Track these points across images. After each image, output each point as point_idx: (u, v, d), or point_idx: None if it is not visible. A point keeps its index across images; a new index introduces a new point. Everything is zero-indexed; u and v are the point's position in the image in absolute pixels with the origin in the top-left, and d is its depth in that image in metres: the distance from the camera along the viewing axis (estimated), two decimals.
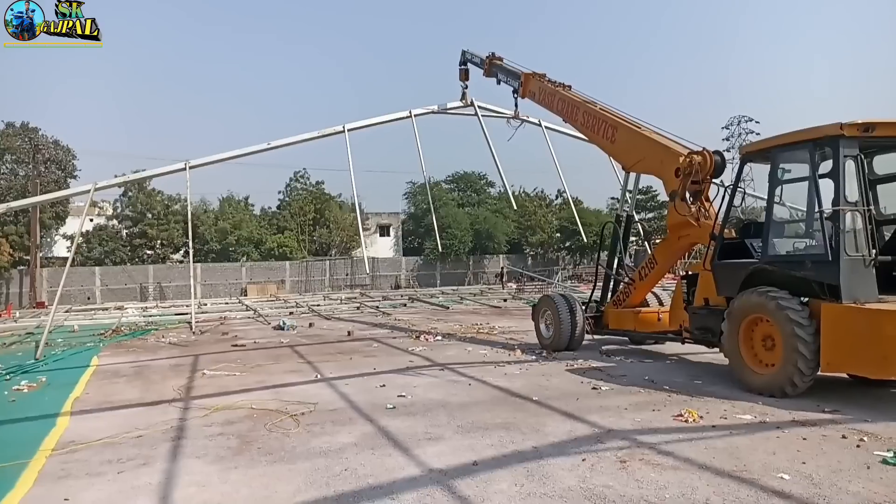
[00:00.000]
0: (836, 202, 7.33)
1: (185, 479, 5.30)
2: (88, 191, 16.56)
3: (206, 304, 30.17)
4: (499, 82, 16.75)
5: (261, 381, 9.82)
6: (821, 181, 7.57)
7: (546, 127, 23.97)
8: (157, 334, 17.88)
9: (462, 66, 19.11)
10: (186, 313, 22.20)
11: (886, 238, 8.25)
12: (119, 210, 46.78)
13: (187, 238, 18.75)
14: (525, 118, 23.87)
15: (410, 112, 23.73)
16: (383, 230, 56.94)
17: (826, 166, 7.58)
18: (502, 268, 47.44)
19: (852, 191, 7.52)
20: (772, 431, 6.13)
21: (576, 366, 10.37)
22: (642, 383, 8.76)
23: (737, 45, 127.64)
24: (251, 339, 15.74)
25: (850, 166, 7.51)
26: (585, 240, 33.25)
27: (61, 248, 44.08)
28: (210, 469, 5.52)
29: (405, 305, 26.89)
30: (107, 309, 30.53)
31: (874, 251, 7.32)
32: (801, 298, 7.64)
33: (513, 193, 54.95)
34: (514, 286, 39.41)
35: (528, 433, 6.30)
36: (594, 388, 8.49)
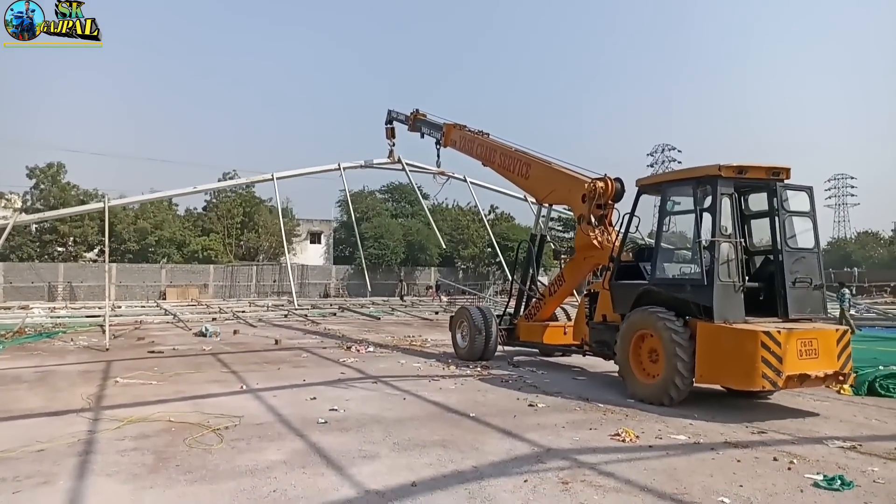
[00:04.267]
0: (713, 234, 8.19)
1: (92, 499, 4.79)
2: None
3: (120, 307, 28.48)
4: (422, 136, 17.76)
5: (180, 391, 9.20)
6: (702, 214, 8.42)
7: (471, 182, 25.92)
8: (65, 337, 16.67)
9: (388, 125, 20.23)
10: (99, 315, 20.86)
11: (757, 266, 9.11)
12: (29, 203, 43.73)
13: (103, 236, 17.64)
14: (451, 174, 25.54)
15: (339, 165, 24.57)
16: (314, 237, 55.79)
17: (706, 201, 8.43)
18: (437, 281, 47.44)
19: (728, 224, 8.42)
20: (707, 453, 6.17)
21: (511, 381, 10.29)
22: (577, 400, 8.75)
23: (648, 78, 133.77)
24: (170, 346, 14.88)
25: (726, 203, 8.43)
26: (504, 265, 33.87)
27: None
28: (122, 489, 5.01)
29: (335, 315, 26.29)
30: (10, 308, 28.31)
31: (744, 278, 8.22)
32: (683, 317, 8.38)
33: (446, 207, 55.53)
34: (446, 299, 39.35)
35: (468, 451, 6.10)
36: (531, 405, 8.39)
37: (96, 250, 42.73)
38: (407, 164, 23.32)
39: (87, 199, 43.69)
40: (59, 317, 23.15)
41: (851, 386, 9.65)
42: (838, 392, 9.58)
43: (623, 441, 6.55)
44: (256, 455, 5.92)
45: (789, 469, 5.63)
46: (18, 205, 44.65)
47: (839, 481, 5.16)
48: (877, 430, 7.24)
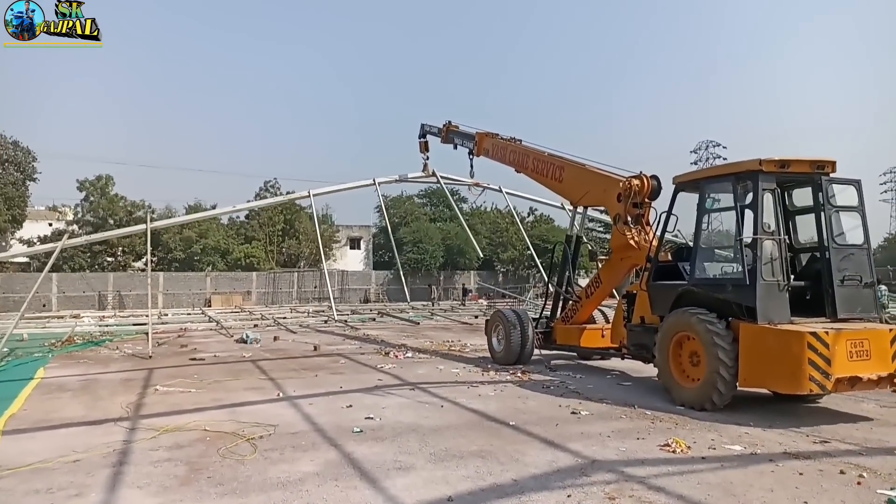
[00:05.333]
0: (755, 231, 7.90)
1: None
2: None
3: (166, 315, 29.07)
4: (455, 147, 17.88)
5: (218, 398, 9.16)
6: (743, 211, 8.10)
7: (507, 192, 25.78)
8: (111, 345, 16.98)
9: (421, 139, 20.45)
10: (145, 324, 21.25)
11: (803, 265, 8.77)
12: (80, 215, 45.21)
13: (151, 245, 18.08)
14: (486, 185, 25.72)
15: (375, 180, 24.89)
16: (354, 243, 56.16)
17: (747, 198, 8.14)
18: (463, 285, 46.98)
19: (771, 221, 8.09)
20: (765, 465, 5.74)
21: (552, 387, 9.94)
22: (622, 407, 8.36)
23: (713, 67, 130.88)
24: (211, 353, 14.98)
25: (768, 199, 8.09)
26: (541, 269, 33.21)
27: (18, 251, 42.31)
28: (151, 502, 4.90)
29: (374, 320, 26.25)
30: (62, 317, 29.20)
31: (788, 277, 7.89)
32: (725, 318, 8.10)
33: (484, 210, 55.21)
34: (486, 303, 39.01)
35: (507, 463, 5.81)
36: (574, 413, 8.04)
37: (144, 259, 43.85)
38: (442, 176, 23.46)
39: (134, 210, 45.02)
40: (107, 325, 23.72)
41: None
42: None
43: (673, 452, 6.16)
44: (289, 466, 5.75)
45: (858, 484, 5.17)
46: (70, 217, 46.27)
47: None
48: None
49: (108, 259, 43.42)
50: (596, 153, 13.31)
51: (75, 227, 44.16)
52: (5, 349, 14.49)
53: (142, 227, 18.98)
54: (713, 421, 7.52)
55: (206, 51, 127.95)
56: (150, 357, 14.10)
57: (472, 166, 17.73)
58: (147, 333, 16.31)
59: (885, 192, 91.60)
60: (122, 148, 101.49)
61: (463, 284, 47.38)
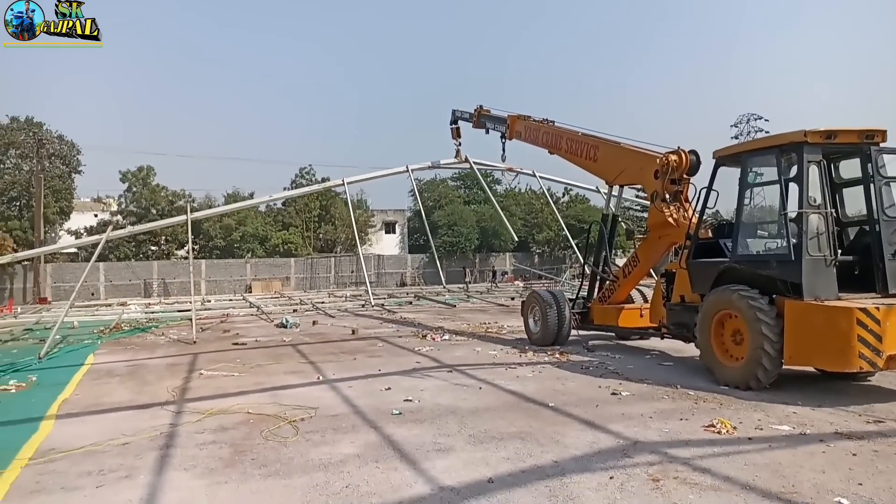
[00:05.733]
0: (800, 205, 7.65)
1: (168, 495, 4.80)
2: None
3: (209, 301, 29.71)
4: (487, 131, 17.80)
5: (259, 382, 9.31)
6: (787, 185, 7.86)
7: (540, 177, 25.93)
8: (157, 331, 17.44)
9: (453, 125, 20.34)
10: (188, 310, 21.77)
11: (851, 239, 8.46)
12: (123, 206, 46.43)
13: (192, 234, 18.53)
14: (519, 170, 25.60)
15: (408, 167, 25.05)
16: (389, 227, 56.39)
17: (792, 171, 7.92)
18: (493, 267, 46.48)
19: (816, 194, 7.80)
20: (815, 445, 5.57)
21: (591, 368, 9.83)
22: (664, 387, 8.21)
23: (736, 48, 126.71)
24: (253, 338, 15.26)
25: (813, 171, 7.80)
26: (576, 249, 32.73)
27: (66, 243, 43.77)
28: (197, 484, 5.01)
29: (410, 303, 26.37)
30: (109, 305, 30.13)
31: (835, 252, 7.63)
32: (768, 296, 7.90)
33: (518, 192, 54.78)
34: (522, 284, 38.84)
35: (547, 444, 5.76)
36: (614, 394, 7.94)
37: (186, 248, 44.90)
38: (474, 161, 23.41)
39: (175, 200, 46.03)
40: (152, 312, 24.36)
41: None
42: None
43: (718, 433, 6.02)
44: (330, 448, 5.82)
45: None
46: (114, 207, 47.57)
47: None
48: None
49: (153, 248, 44.58)
50: (629, 132, 13.00)
51: (119, 217, 45.43)
52: (58, 337, 15.00)
53: (182, 217, 19.49)
54: (759, 401, 7.34)
55: (240, 43, 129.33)
56: (194, 342, 14.44)
57: (503, 150, 17.61)
58: (191, 319, 16.70)
59: None
60: (159, 140, 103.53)
61: (493, 267, 46.94)
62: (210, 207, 48.24)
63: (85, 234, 40.44)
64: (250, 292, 38.67)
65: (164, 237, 44.23)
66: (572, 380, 8.98)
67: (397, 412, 7.15)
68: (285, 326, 17.44)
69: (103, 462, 5.62)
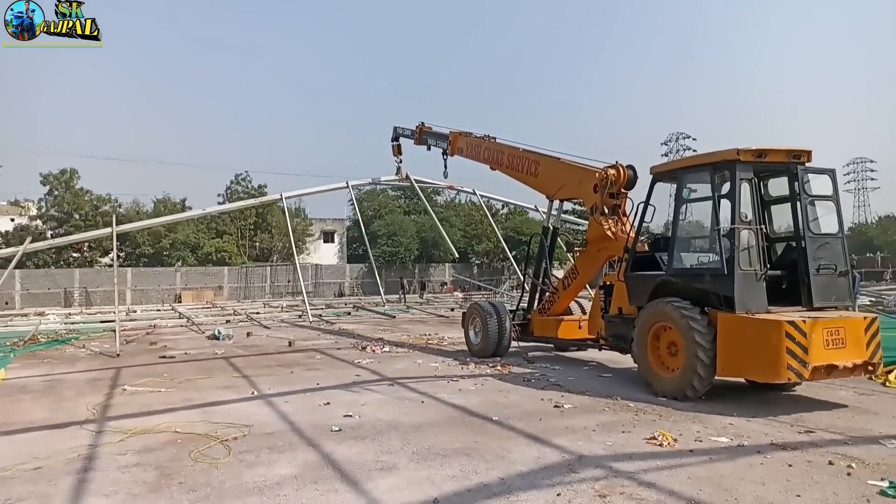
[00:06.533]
0: (732, 221, 7.86)
1: None
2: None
3: (135, 311, 28.31)
4: (429, 148, 17.72)
5: (189, 398, 8.83)
6: (720, 201, 8.07)
7: (481, 194, 26.21)
8: (77, 343, 16.43)
9: (394, 142, 20.23)
10: (112, 321, 20.65)
11: (778, 254, 8.74)
12: (44, 210, 43.88)
13: (117, 241, 17.57)
14: (460, 188, 25.79)
15: (348, 183, 24.77)
16: (328, 236, 55.61)
17: (724, 188, 8.10)
18: (402, 279, 41.88)
19: (748, 210, 8.14)
20: (753, 457, 5.66)
21: (533, 380, 9.81)
22: (605, 400, 8.25)
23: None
24: (182, 350, 14.56)
25: (745, 188, 8.11)
26: (514, 262, 33.01)
27: None
28: None
29: (349, 314, 25.92)
30: (25, 315, 28.24)
31: (765, 266, 7.90)
32: (702, 308, 8.07)
33: (457, 203, 55.04)
34: (461, 295, 38.87)
35: (493, 461, 5.64)
36: (556, 406, 7.91)
37: (111, 255, 42.79)
38: (416, 179, 23.43)
39: (100, 204, 43.89)
40: (73, 322, 22.98)
41: None
42: (884, 384, 9.03)
43: (660, 445, 6.06)
44: (266, 469, 5.50)
45: (849, 475, 5.10)
46: (33, 212, 44.88)
47: None
48: None
49: (74, 255, 42.24)
50: (568, 145, 13.29)
51: (39, 222, 42.92)
52: None
53: (107, 230, 18.61)
54: (696, 412, 7.46)
55: (176, 46, 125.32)
56: (118, 355, 13.64)
57: (445, 166, 17.55)
58: (115, 331, 15.82)
59: (849, 182, 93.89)
60: (87, 141, 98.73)
61: (401, 279, 42.30)
62: (138, 213, 46.32)
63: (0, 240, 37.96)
64: (180, 302, 37.09)
65: (87, 244, 41.98)
66: (515, 392, 8.92)
67: (337, 428, 6.88)
68: (217, 338, 16.76)
69: (11, 490, 5.12)
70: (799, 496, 4.65)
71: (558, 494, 4.74)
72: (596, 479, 5.07)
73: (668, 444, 6.10)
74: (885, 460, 5.48)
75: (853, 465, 5.33)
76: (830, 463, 5.41)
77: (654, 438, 6.23)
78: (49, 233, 42.37)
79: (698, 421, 7.05)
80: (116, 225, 18.03)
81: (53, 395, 9.35)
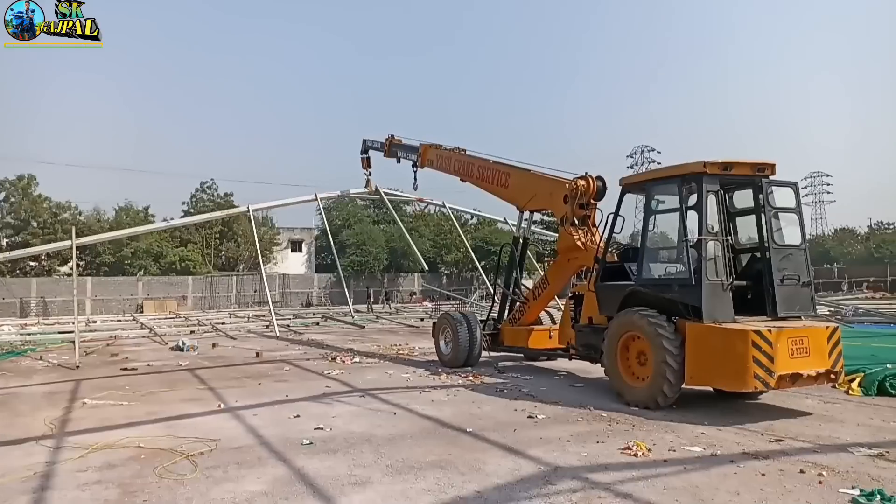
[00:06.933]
0: (699, 232, 7.99)
1: None
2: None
3: (95, 322, 27.48)
4: (398, 160, 17.61)
5: (152, 412, 8.53)
6: (687, 213, 8.20)
7: (451, 207, 26.30)
8: (34, 355, 15.83)
9: (364, 155, 20.02)
10: (71, 331, 20.00)
11: (744, 265, 8.88)
12: None
13: (78, 249, 17.04)
14: (429, 200, 25.71)
15: (316, 196, 24.56)
16: (295, 246, 54.95)
17: (692, 199, 8.23)
18: (368, 288, 41.30)
19: (714, 222, 8.23)
20: (727, 466, 5.69)
21: (506, 390, 9.77)
22: (578, 409, 8.25)
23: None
24: (144, 362, 14.14)
25: (712, 200, 8.19)
26: (482, 272, 32.96)
27: None
28: None
29: (318, 324, 25.59)
30: None
31: (731, 277, 8.03)
32: (670, 318, 8.17)
33: (426, 213, 55.01)
34: (430, 305, 38.76)
35: (468, 473, 5.55)
36: (530, 417, 7.88)
37: (70, 264, 41.55)
38: (385, 192, 23.29)
39: (59, 212, 42.64)
40: (29, 333, 22.17)
41: (860, 385, 9.31)
42: (847, 392, 9.23)
43: (635, 455, 6.05)
44: (234, 486, 5.32)
45: (820, 483, 5.16)
46: None
47: (879, 496, 4.72)
48: None
49: (31, 264, 40.88)
50: (538, 157, 13.41)
51: None
52: None
53: (66, 243, 18.12)
54: (668, 420, 7.51)
55: (133, 47, 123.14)
56: (78, 367, 13.18)
57: (415, 178, 17.45)
58: (74, 342, 15.28)
59: (806, 195, 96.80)
60: (45, 147, 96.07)
61: (368, 287, 41.49)
62: (98, 221, 45.14)
63: None
64: (142, 313, 36.15)
65: (45, 253, 40.66)
66: (488, 403, 8.86)
67: (308, 442, 6.72)
68: (182, 349, 16.34)
69: None
70: None
71: None
72: (573, 491, 5.03)
73: (643, 454, 6.10)
74: (855, 468, 5.56)
75: (824, 473, 5.40)
76: (802, 471, 5.46)
77: (629, 448, 6.23)
78: (4, 241, 41.04)
79: (671, 430, 7.08)
80: (77, 233, 17.49)
81: (7, 410, 8.94)
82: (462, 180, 14.40)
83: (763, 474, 5.42)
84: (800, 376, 7.55)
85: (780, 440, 6.60)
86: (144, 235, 43.20)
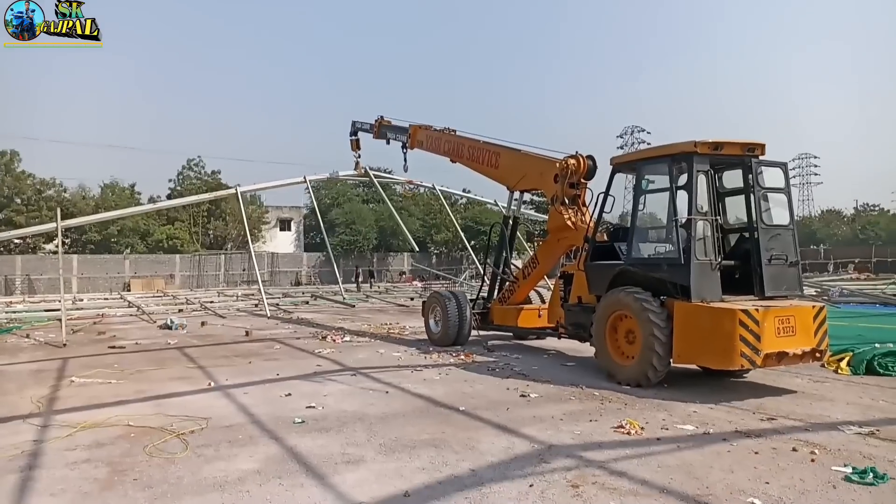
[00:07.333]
0: (689, 212, 7.99)
1: None
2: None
3: (82, 300, 27.25)
4: (388, 142, 17.46)
5: (141, 390, 8.44)
6: (677, 192, 8.20)
7: (441, 189, 26.17)
8: (20, 333, 15.66)
9: (353, 137, 19.74)
10: (57, 309, 19.79)
11: (732, 245, 8.90)
12: None
13: (63, 222, 16.77)
14: (419, 183, 25.70)
15: (305, 178, 24.50)
16: (284, 224, 54.66)
17: (682, 179, 8.24)
18: (357, 268, 41.65)
19: (704, 202, 8.23)
20: (720, 444, 5.70)
21: (497, 369, 9.76)
22: (570, 388, 8.26)
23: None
24: (132, 340, 14.02)
25: (701, 180, 8.19)
26: (471, 252, 32.79)
27: None
28: None
29: (307, 303, 25.50)
30: None
31: (720, 256, 8.08)
32: (659, 297, 8.23)
33: (416, 193, 54.80)
34: (420, 285, 38.77)
35: (462, 451, 5.53)
36: (522, 395, 7.87)
37: (56, 241, 41.06)
38: (374, 174, 23.21)
39: (44, 189, 42.05)
40: (14, 311, 21.94)
41: (849, 365, 9.39)
42: (836, 371, 9.29)
43: (628, 434, 6.05)
44: (226, 464, 5.26)
45: (812, 461, 5.17)
46: None
47: (871, 474, 4.73)
48: (889, 413, 6.87)
49: (16, 241, 40.35)
50: (527, 138, 13.36)
51: None
52: None
53: (51, 226, 17.87)
54: (659, 399, 7.53)
55: (127, 30, 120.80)
56: (65, 345, 13.04)
57: (405, 160, 17.21)
58: (60, 320, 15.11)
59: (794, 176, 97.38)
60: (28, 123, 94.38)
61: (356, 266, 41.91)
62: (84, 198, 44.55)
63: None
64: (129, 291, 35.90)
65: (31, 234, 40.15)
66: (480, 382, 8.85)
67: (300, 420, 6.67)
68: (170, 328, 16.22)
69: None
70: (768, 483, 4.68)
71: (531, 485, 4.66)
72: (567, 469, 5.01)
73: (636, 432, 6.10)
74: (846, 446, 5.59)
75: (816, 451, 5.42)
76: (794, 450, 5.48)
77: (622, 427, 6.23)
78: None
79: (663, 408, 7.10)
80: (63, 212, 17.23)
81: None
82: (452, 161, 14.32)
83: (756, 452, 5.44)
84: (786, 355, 7.63)
85: (772, 419, 6.63)
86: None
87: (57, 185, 44.20)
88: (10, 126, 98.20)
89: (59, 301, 17.65)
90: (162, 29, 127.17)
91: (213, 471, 5.08)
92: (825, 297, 22.13)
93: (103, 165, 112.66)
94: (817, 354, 8.01)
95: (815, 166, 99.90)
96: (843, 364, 9.44)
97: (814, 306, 8.23)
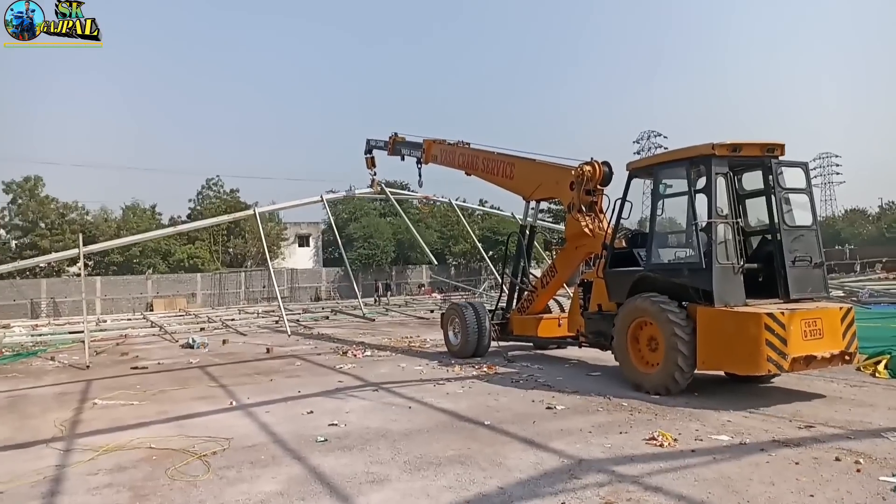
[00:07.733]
0: (709, 215, 7.86)
1: None
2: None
3: (105, 321, 27.48)
4: (403, 158, 17.32)
5: (163, 411, 8.40)
6: (696, 196, 8.07)
7: (457, 204, 26.10)
8: (45, 356, 15.77)
9: (368, 155, 19.83)
10: (81, 331, 19.97)
11: (754, 247, 8.71)
12: (7, 219, 42.50)
13: (86, 248, 16.99)
14: (435, 198, 25.65)
15: (322, 197, 24.82)
16: (302, 240, 54.88)
17: (701, 182, 8.11)
18: (376, 280, 41.36)
19: (724, 205, 8.12)
20: (758, 455, 5.47)
21: (521, 381, 9.58)
22: (597, 399, 8.05)
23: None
24: (155, 360, 14.04)
25: (721, 183, 8.05)
26: (490, 263, 32.54)
27: None
28: None
29: (327, 318, 25.48)
30: None
31: (742, 260, 7.91)
32: (681, 303, 8.06)
33: (434, 206, 54.83)
34: (440, 296, 38.61)
35: (489, 468, 5.36)
36: (549, 408, 7.68)
37: (79, 264, 41.57)
38: (391, 191, 23.39)
39: (67, 212, 42.68)
40: (40, 334, 22.17)
41: (887, 368, 9.07)
42: (873, 375, 8.99)
43: (661, 446, 5.84)
44: (248, 486, 5.15)
45: (858, 471, 4.94)
46: None
47: None
48: None
49: (41, 266, 40.92)
50: (542, 148, 13.28)
51: (2, 231, 41.57)
52: None
53: (73, 251, 18.13)
54: (690, 408, 7.31)
55: (134, 46, 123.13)
56: (88, 367, 13.09)
57: (420, 175, 17.20)
58: (84, 342, 15.21)
59: (815, 176, 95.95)
60: (50, 148, 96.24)
61: (376, 280, 41.83)
62: (106, 220, 45.13)
63: None
64: (152, 310, 36.19)
65: (53, 251, 40.73)
66: (504, 394, 8.67)
67: (322, 439, 6.55)
68: (192, 346, 16.24)
69: None
70: (812, 496, 4.46)
71: (562, 503, 4.48)
72: (600, 485, 4.83)
73: (669, 444, 5.89)
74: (893, 455, 5.33)
75: (861, 460, 5.17)
76: (837, 459, 5.24)
77: (654, 439, 6.02)
78: (13, 242, 41.12)
79: (694, 418, 6.87)
80: (85, 235, 17.48)
81: (17, 412, 8.84)
82: (467, 174, 14.26)
83: (797, 463, 5.20)
84: (814, 358, 7.41)
85: (810, 426, 6.38)
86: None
87: (80, 208, 44.90)
88: (31, 151, 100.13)
89: (83, 323, 17.79)
90: (173, 48, 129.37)
91: (235, 493, 4.98)
92: (854, 299, 21.60)
93: (123, 188, 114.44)
94: (846, 357, 7.78)
95: (837, 165, 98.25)
96: (881, 367, 9.13)
97: (841, 307, 8.01)
